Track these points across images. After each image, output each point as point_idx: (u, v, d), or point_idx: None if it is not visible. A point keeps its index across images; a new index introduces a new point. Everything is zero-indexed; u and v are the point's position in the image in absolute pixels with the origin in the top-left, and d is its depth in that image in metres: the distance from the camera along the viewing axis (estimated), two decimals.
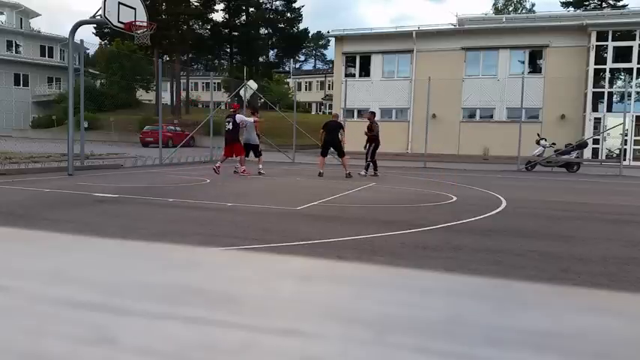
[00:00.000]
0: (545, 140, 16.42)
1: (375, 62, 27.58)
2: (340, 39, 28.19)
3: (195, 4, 41.44)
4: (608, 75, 23.78)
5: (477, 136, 24.94)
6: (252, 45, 41.74)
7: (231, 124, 11.82)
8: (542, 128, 22.22)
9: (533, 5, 50.90)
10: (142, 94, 46.65)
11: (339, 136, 11.97)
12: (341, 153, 12.03)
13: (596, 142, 22.27)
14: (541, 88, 24.38)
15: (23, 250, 0.49)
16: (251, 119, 12.23)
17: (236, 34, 42.98)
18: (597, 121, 23.32)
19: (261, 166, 12.02)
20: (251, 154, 12.41)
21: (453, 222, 5.72)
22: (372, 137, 12.53)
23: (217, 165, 11.66)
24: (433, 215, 6.23)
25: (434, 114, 23.14)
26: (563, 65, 23.97)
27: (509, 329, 0.31)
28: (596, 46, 23.59)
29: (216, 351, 0.29)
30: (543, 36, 24.47)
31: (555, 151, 16.41)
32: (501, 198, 8.08)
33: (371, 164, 12.40)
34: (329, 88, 48.99)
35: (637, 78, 22.96)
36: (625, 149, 19.27)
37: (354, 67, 28.25)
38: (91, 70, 41.27)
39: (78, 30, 11.62)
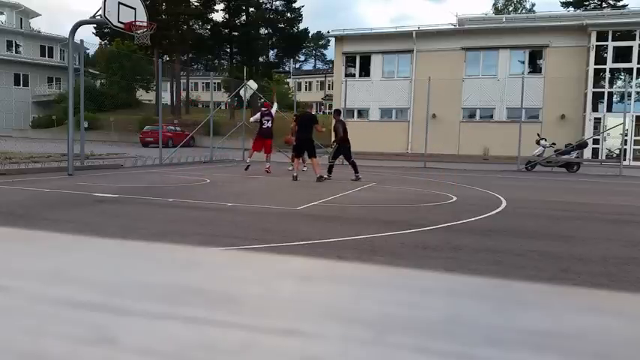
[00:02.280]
0: (545, 140, 16.42)
1: (375, 62, 27.58)
2: (340, 39, 28.19)
3: (195, 4, 41.41)
4: (608, 75, 23.79)
5: (477, 136, 24.95)
6: (252, 45, 41.68)
7: (270, 121, 12.35)
8: (542, 128, 22.21)
9: (533, 5, 50.92)
10: (142, 94, 46.65)
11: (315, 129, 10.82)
12: (312, 153, 10.88)
13: (596, 142, 22.28)
14: (541, 88, 24.38)
15: (23, 250, 0.49)
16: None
17: (236, 34, 42.90)
18: (597, 121, 23.32)
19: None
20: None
21: (453, 222, 5.72)
22: (341, 139, 11.37)
23: (248, 163, 12.42)
24: (433, 215, 6.23)
25: (434, 114, 23.15)
26: (563, 65, 23.97)
27: (509, 329, 0.31)
28: (596, 46, 23.59)
29: (216, 351, 0.29)
30: (543, 36, 24.47)
31: (555, 151, 16.42)
32: (501, 198, 8.08)
33: (344, 167, 12.00)
34: (329, 88, 48.97)
35: (637, 78, 22.96)
36: (625, 149, 19.27)
37: (354, 67, 28.25)
38: (91, 70, 41.27)
39: (78, 30, 11.62)
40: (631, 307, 0.36)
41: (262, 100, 17.61)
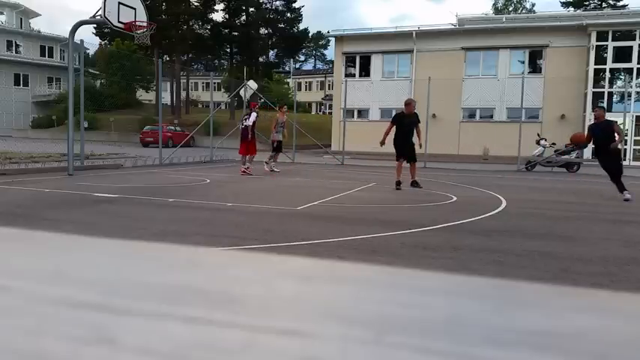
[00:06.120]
0: (545, 140, 16.42)
1: (375, 62, 27.57)
2: (340, 39, 28.18)
3: (195, 4, 41.40)
4: (608, 75, 23.78)
5: (477, 136, 24.93)
6: (252, 45, 41.70)
7: (247, 121, 11.97)
8: (542, 128, 22.22)
9: (533, 5, 51.00)
10: (142, 94, 46.65)
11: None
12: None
13: None
14: (541, 88, 24.38)
15: (23, 250, 0.49)
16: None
17: (236, 34, 42.91)
18: None
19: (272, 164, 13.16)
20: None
21: (453, 222, 5.72)
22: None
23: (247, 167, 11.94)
24: (433, 215, 6.23)
25: (434, 114, 23.14)
26: (563, 65, 23.97)
27: (509, 329, 0.31)
28: (596, 46, 23.59)
29: (216, 351, 0.29)
30: (543, 36, 24.47)
31: (555, 151, 16.41)
32: (501, 198, 8.08)
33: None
34: (329, 88, 48.98)
35: (637, 78, 22.96)
36: (625, 149, 19.27)
37: (354, 67, 28.23)
38: (91, 70, 41.26)
39: (78, 30, 11.62)
40: (631, 307, 0.36)
41: (262, 100, 17.42)
